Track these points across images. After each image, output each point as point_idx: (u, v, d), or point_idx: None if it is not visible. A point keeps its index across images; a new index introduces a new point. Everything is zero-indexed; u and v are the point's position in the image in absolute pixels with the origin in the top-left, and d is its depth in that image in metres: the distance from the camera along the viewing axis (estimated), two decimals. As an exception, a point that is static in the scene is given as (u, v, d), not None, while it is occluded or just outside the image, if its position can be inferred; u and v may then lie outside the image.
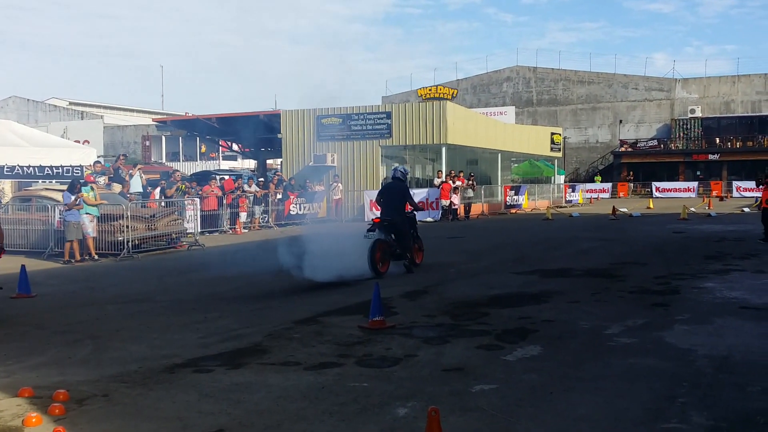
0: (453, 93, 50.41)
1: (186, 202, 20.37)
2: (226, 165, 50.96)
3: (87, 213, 15.75)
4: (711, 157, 54.56)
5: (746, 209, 31.10)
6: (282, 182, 27.56)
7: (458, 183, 28.76)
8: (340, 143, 30.04)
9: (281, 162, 33.28)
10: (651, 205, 36.20)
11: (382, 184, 28.55)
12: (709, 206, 34.02)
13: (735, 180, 50.32)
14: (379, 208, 13.82)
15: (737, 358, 6.70)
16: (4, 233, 8.22)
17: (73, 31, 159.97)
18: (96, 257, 15.82)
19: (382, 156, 30.25)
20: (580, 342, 7.49)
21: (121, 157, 22.78)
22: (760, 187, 18.41)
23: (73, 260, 15.47)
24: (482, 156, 37.78)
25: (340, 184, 28.97)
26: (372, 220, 13.50)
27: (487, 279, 12.17)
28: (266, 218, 25.43)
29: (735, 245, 16.42)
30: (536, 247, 17.24)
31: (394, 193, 13.35)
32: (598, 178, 56.31)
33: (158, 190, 21.83)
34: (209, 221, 22.67)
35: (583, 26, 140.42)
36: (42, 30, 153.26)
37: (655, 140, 57.45)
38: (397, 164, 14.98)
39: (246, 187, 25.45)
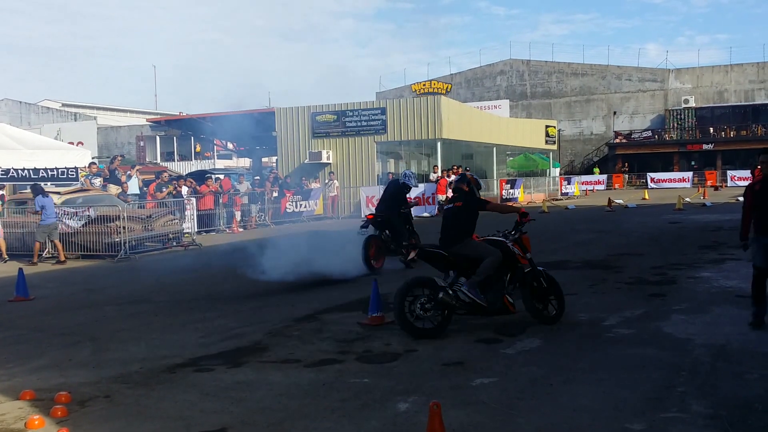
0: (447, 88, 50.53)
1: (183, 202, 20.36)
2: (221, 164, 50.89)
3: None
4: (705, 146, 54.67)
5: (741, 198, 31.15)
6: (278, 180, 27.53)
7: (453, 177, 28.73)
8: (335, 140, 30.04)
9: (276, 160, 33.26)
10: (646, 196, 36.26)
11: (379, 179, 28.62)
12: (704, 196, 34.10)
13: (729, 169, 50.45)
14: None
15: (734, 347, 6.75)
16: None
17: (63, 33, 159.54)
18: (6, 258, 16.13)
19: (377, 152, 30.25)
20: (579, 334, 7.53)
21: (118, 158, 22.72)
22: (757, 167, 18.04)
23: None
24: (477, 150, 37.79)
25: (336, 181, 28.97)
26: (366, 216, 13.54)
27: (485, 273, 12.17)
28: (263, 216, 25.42)
29: (730, 234, 16.44)
30: (532, 240, 17.16)
31: (389, 191, 13.59)
32: (597, 169, 56.37)
33: (153, 187, 21.76)
34: (206, 221, 22.66)
35: (575, 18, 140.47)
36: (31, 32, 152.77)
37: (650, 131, 57.54)
38: (410, 170, 15.08)
39: (236, 185, 25.41)
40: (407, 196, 13.86)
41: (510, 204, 7.71)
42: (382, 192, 14.27)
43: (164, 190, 21.36)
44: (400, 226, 13.15)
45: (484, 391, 5.69)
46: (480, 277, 7.63)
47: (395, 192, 13.47)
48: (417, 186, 15.19)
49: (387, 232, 12.98)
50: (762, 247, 7.47)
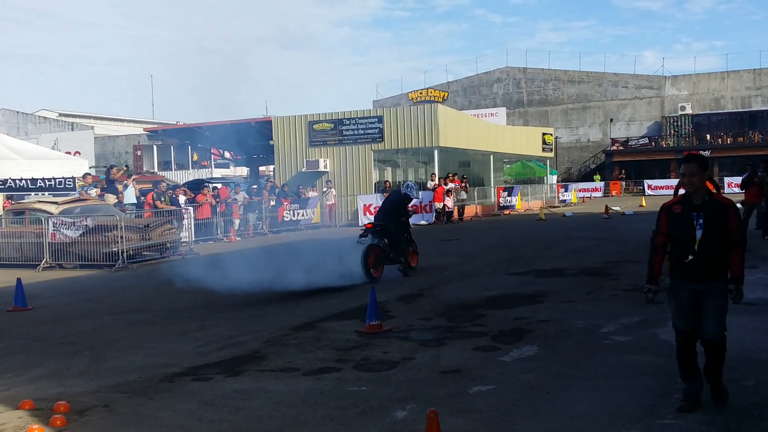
0: (444, 95, 50.61)
1: (181, 211, 20.38)
2: (218, 173, 50.94)
3: None
4: (702, 153, 54.74)
5: (738, 205, 31.22)
6: (275, 189, 27.57)
7: (451, 185, 28.82)
8: (332, 148, 30.11)
9: (274, 169, 33.33)
10: (643, 203, 36.34)
11: (376, 187, 28.66)
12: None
13: (726, 176, 50.55)
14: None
15: (731, 353, 6.71)
16: None
17: (59, 41, 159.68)
18: None
19: (374, 160, 30.32)
20: (576, 341, 7.55)
21: (124, 168, 22.76)
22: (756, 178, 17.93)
23: None
24: (474, 158, 37.87)
25: (333, 190, 29.01)
26: (364, 225, 13.59)
27: (482, 280, 12.23)
28: (260, 225, 25.44)
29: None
30: (530, 248, 17.31)
31: (390, 200, 13.67)
32: (598, 176, 56.46)
33: (151, 196, 21.77)
34: (203, 230, 22.65)
35: (572, 25, 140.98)
36: (27, 41, 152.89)
37: (646, 138, 57.70)
38: (411, 182, 15.19)
39: (233, 195, 25.44)
40: (407, 205, 13.90)
41: None
42: (380, 200, 14.34)
43: (162, 199, 21.39)
44: (400, 235, 13.20)
45: (481, 398, 5.71)
46: None
47: (396, 202, 13.52)
48: (418, 198, 15.30)
49: (386, 240, 13.02)
50: (683, 299, 5.35)
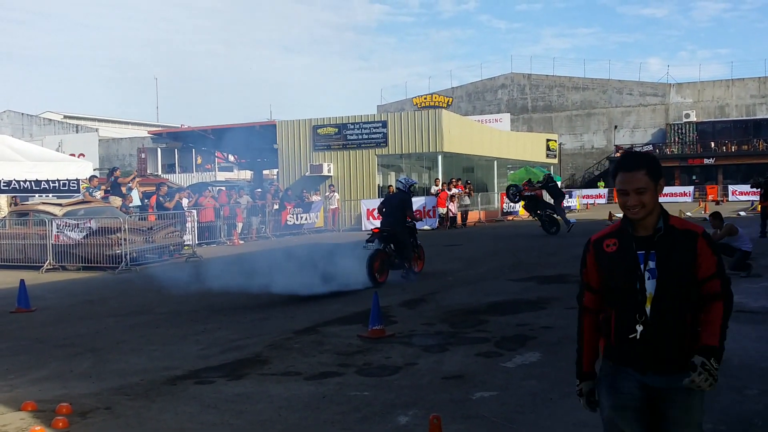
0: (448, 101, 50.52)
1: (184, 214, 20.40)
2: (222, 176, 50.98)
3: None
4: (706, 161, 54.75)
5: (742, 213, 31.20)
6: (279, 193, 27.59)
7: (455, 190, 28.82)
8: (336, 153, 30.12)
9: (277, 172, 33.34)
10: (647, 210, 36.23)
11: (380, 192, 28.65)
12: (705, 210, 34.11)
13: (730, 184, 50.51)
14: (378, 217, 13.95)
15: (734, 362, 6.74)
16: None
17: (63, 43, 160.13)
18: None
19: (378, 165, 30.33)
20: (579, 348, 7.52)
21: (135, 173, 22.77)
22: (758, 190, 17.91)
23: None
24: (478, 163, 37.86)
25: (336, 194, 29.02)
26: (371, 230, 13.56)
27: (485, 286, 12.22)
28: (264, 229, 25.45)
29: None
30: (533, 254, 17.29)
31: (394, 203, 13.54)
32: (602, 183, 56.41)
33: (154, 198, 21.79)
34: (206, 233, 22.67)
35: (577, 32, 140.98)
36: (31, 42, 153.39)
37: (651, 145, 57.60)
38: (402, 175, 15.17)
39: (237, 198, 25.47)
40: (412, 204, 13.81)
41: None
42: (379, 206, 14.24)
43: (170, 200, 21.44)
44: (406, 241, 13.17)
45: (484, 404, 5.71)
46: None
47: (402, 202, 13.44)
48: (415, 182, 15.14)
49: (392, 245, 13.00)
50: (626, 397, 3.19)
